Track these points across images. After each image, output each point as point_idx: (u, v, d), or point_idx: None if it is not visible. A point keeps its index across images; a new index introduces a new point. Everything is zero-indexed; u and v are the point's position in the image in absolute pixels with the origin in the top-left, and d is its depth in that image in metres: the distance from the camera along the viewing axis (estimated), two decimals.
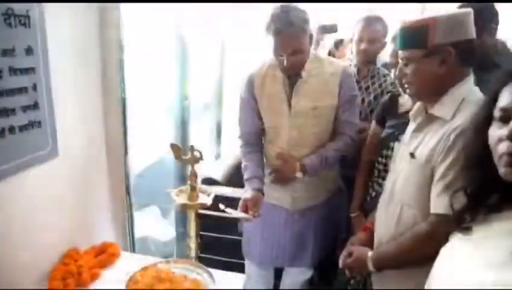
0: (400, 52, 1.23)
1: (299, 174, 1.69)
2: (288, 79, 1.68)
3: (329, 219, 1.87)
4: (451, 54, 1.11)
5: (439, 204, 1.11)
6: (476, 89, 1.18)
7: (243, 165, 1.79)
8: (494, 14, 1.73)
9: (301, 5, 1.57)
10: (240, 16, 2.92)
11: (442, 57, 1.12)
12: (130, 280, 1.28)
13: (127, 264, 1.43)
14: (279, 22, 1.50)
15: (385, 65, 2.19)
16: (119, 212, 1.75)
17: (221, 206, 1.60)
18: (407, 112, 1.60)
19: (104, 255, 1.48)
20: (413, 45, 1.17)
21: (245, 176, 1.74)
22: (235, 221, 2.07)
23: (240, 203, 1.62)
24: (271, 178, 1.76)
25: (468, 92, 1.15)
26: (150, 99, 2.48)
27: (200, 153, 1.45)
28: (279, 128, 1.73)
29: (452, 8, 1.17)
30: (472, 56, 1.15)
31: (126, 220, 1.78)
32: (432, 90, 1.18)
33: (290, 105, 1.68)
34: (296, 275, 2.01)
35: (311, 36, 1.61)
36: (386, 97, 1.81)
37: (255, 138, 1.81)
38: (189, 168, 1.48)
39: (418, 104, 1.29)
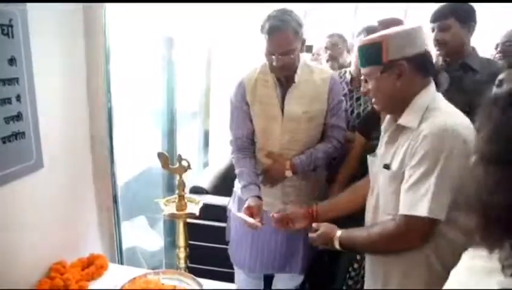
0: (361, 70, 1.30)
1: (288, 173, 1.71)
2: (280, 84, 1.70)
3: None
4: (406, 67, 1.18)
5: (403, 205, 1.16)
6: (438, 95, 1.24)
7: (237, 171, 1.78)
8: (472, 12, 1.82)
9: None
10: (227, 24, 2.93)
11: (398, 71, 1.19)
12: None
13: (115, 276, 1.41)
14: (273, 21, 1.55)
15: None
16: (106, 223, 1.72)
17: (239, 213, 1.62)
18: None
19: (92, 268, 1.45)
20: (370, 62, 1.24)
21: (242, 183, 1.73)
22: (223, 230, 2.06)
23: (244, 211, 1.61)
24: (260, 179, 1.76)
25: (431, 100, 1.21)
26: (137, 108, 2.46)
27: (188, 163, 1.44)
28: (271, 132, 1.74)
29: (403, 26, 1.26)
30: (428, 66, 1.23)
31: (113, 231, 1.76)
32: (396, 103, 1.25)
33: (282, 110, 1.70)
34: (287, 282, 2.00)
35: (303, 42, 1.65)
36: (369, 109, 1.84)
37: (248, 143, 1.81)
38: (177, 177, 1.48)
39: (389, 116, 1.35)
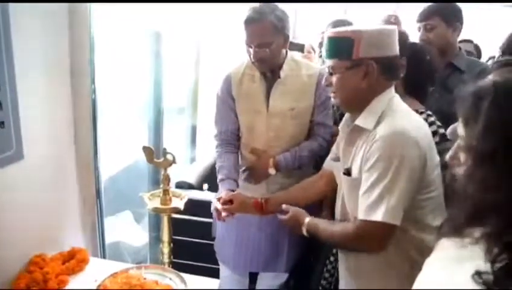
0: (327, 61, 1.26)
1: (272, 171, 1.70)
2: (266, 79, 1.69)
3: None
4: (374, 68, 1.16)
5: (360, 210, 1.15)
6: (397, 97, 1.24)
7: (217, 166, 1.77)
8: (458, 12, 1.84)
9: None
10: (216, 19, 2.90)
11: (365, 70, 1.16)
12: (98, 287, 1.25)
13: (97, 271, 1.38)
14: (251, 12, 1.55)
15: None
16: (89, 217, 1.69)
17: (205, 186, 1.59)
18: None
19: (73, 262, 1.42)
20: (339, 56, 1.20)
21: (219, 177, 1.73)
22: (210, 226, 2.05)
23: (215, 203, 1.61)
24: (244, 176, 1.75)
25: (388, 102, 1.20)
26: (122, 101, 2.43)
27: (173, 156, 1.43)
28: (256, 128, 1.73)
29: (377, 24, 1.23)
30: (394, 70, 1.22)
31: (96, 225, 1.73)
32: (356, 101, 1.22)
33: (267, 105, 1.69)
34: (271, 279, 1.99)
35: (286, 38, 1.63)
36: None
37: (232, 138, 1.80)
38: (162, 171, 1.46)
39: (347, 116, 1.33)
